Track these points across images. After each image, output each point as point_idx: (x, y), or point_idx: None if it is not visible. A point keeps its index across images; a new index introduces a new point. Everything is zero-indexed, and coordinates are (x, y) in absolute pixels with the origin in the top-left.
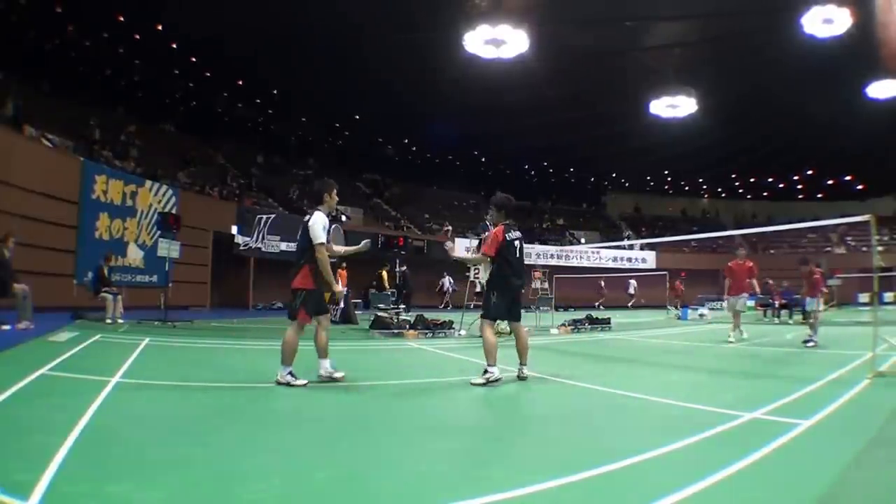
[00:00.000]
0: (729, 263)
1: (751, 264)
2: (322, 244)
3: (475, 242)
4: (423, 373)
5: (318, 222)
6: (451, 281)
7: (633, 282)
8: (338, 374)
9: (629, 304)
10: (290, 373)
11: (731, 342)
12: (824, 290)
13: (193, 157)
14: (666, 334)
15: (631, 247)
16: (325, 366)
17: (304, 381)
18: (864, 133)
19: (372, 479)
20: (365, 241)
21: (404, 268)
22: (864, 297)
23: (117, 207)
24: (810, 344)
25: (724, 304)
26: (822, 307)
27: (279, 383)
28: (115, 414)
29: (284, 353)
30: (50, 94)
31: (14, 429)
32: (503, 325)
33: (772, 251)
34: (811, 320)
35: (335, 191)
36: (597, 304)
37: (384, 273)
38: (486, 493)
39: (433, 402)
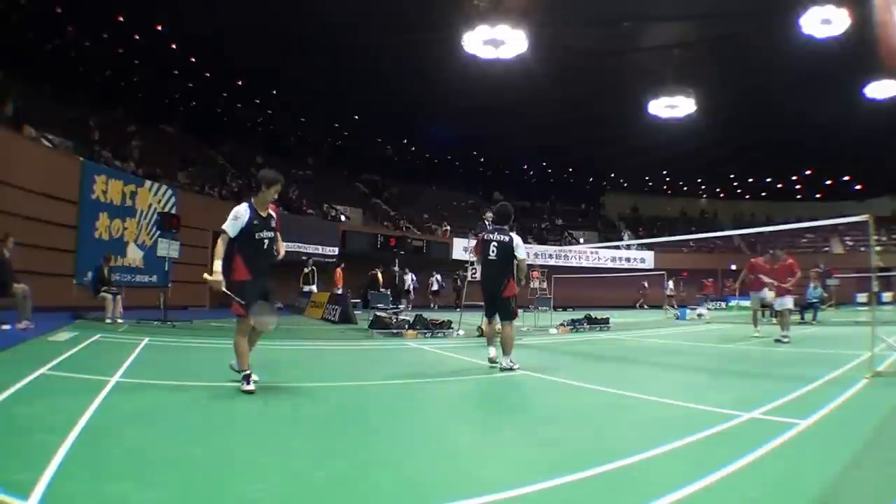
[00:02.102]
0: (775, 266)
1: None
2: (526, 259)
3: (473, 242)
4: (423, 372)
5: (522, 244)
6: (414, 278)
7: (669, 283)
8: (516, 366)
9: (665, 305)
10: (511, 359)
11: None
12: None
13: (193, 158)
14: (664, 334)
15: (628, 247)
16: (507, 360)
17: (518, 366)
18: (862, 133)
19: (372, 478)
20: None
21: (397, 268)
22: (862, 297)
23: (117, 207)
24: (786, 340)
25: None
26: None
27: (503, 369)
28: (115, 414)
29: (507, 346)
30: (50, 95)
31: (14, 429)
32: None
33: (770, 252)
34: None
35: (512, 214)
36: (637, 304)
37: (378, 273)
38: (485, 492)
39: (432, 402)
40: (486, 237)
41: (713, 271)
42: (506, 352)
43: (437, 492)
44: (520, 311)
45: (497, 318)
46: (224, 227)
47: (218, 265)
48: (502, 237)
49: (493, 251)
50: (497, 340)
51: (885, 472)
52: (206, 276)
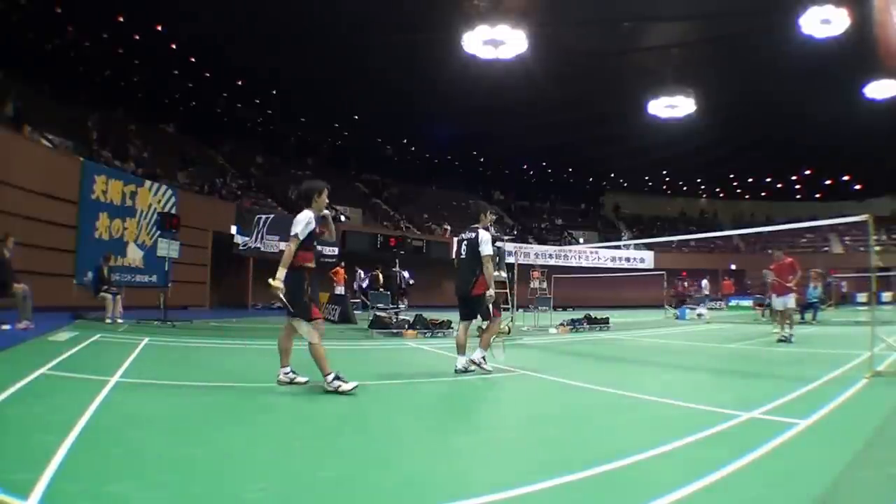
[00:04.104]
0: (772, 266)
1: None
2: (490, 256)
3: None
4: (423, 372)
5: (489, 241)
6: (362, 275)
7: (704, 281)
8: (487, 367)
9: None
10: (484, 357)
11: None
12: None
13: (193, 158)
14: (664, 334)
15: (627, 247)
16: (478, 353)
17: (491, 368)
18: (861, 133)
19: (372, 478)
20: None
21: (395, 268)
22: (861, 297)
23: (117, 207)
24: (791, 340)
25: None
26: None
27: (467, 363)
28: (115, 414)
29: (484, 340)
30: (50, 95)
31: (14, 428)
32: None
33: (769, 251)
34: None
35: (489, 212)
36: (676, 303)
37: (379, 273)
38: (485, 492)
39: (432, 401)
40: (459, 236)
41: (713, 271)
42: (480, 344)
43: (437, 492)
44: (519, 311)
45: (471, 322)
46: (297, 231)
47: (283, 273)
48: (471, 234)
49: (464, 249)
50: (480, 335)
51: (885, 472)
52: (272, 282)
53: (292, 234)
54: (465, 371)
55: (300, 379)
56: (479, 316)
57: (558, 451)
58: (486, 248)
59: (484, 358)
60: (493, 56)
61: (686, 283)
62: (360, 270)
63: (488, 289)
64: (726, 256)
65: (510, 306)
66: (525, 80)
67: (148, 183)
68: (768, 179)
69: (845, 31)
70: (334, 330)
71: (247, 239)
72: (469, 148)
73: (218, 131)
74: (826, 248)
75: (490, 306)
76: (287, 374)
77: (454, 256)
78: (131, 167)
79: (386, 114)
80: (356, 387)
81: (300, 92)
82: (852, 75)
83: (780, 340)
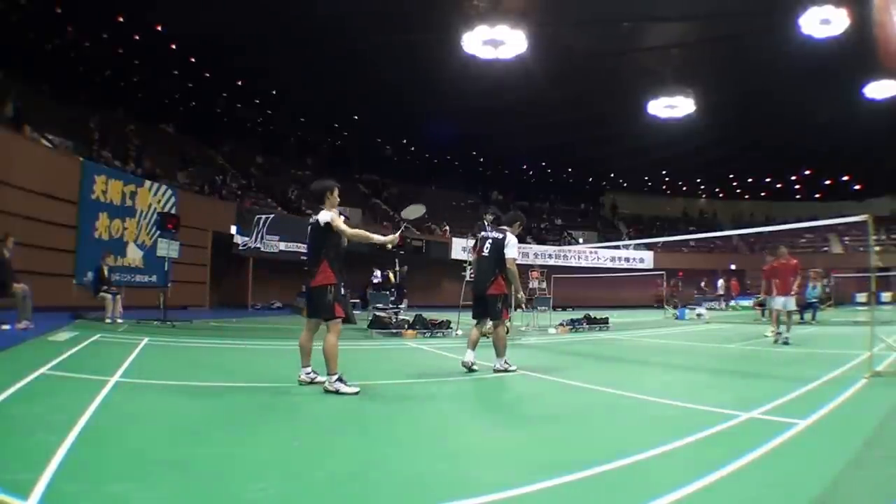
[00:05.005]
0: (774, 264)
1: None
2: (514, 259)
3: (472, 242)
4: (422, 372)
5: (515, 244)
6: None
7: (720, 281)
8: (512, 368)
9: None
10: (506, 360)
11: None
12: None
13: (193, 158)
14: (664, 334)
15: (627, 247)
16: (500, 362)
17: (515, 367)
18: (861, 133)
19: (371, 478)
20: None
21: (405, 267)
22: (861, 297)
23: (117, 207)
24: (781, 341)
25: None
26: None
27: (496, 371)
28: (115, 414)
29: (499, 347)
30: (50, 95)
31: (14, 428)
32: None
33: (765, 251)
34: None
35: (521, 222)
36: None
37: (390, 273)
38: (484, 492)
39: (431, 401)
40: (482, 234)
41: (713, 271)
42: (498, 353)
43: (437, 492)
44: (519, 311)
45: (484, 321)
46: (343, 224)
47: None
48: (497, 234)
49: (486, 248)
50: (493, 343)
51: (885, 472)
52: (387, 242)
53: (347, 228)
54: (472, 366)
55: (321, 379)
56: (489, 315)
57: (558, 451)
58: (511, 252)
59: (506, 360)
60: (493, 56)
61: (703, 284)
62: (376, 270)
63: (517, 291)
64: (726, 256)
65: (510, 306)
66: (525, 80)
67: (148, 183)
68: (768, 179)
69: (845, 31)
70: None
71: (247, 239)
72: (469, 148)
73: (218, 131)
74: (826, 248)
75: (512, 306)
76: (308, 374)
77: (478, 253)
78: (131, 167)
79: (386, 114)
80: (357, 392)
81: (300, 92)
82: (852, 75)
83: (777, 341)
